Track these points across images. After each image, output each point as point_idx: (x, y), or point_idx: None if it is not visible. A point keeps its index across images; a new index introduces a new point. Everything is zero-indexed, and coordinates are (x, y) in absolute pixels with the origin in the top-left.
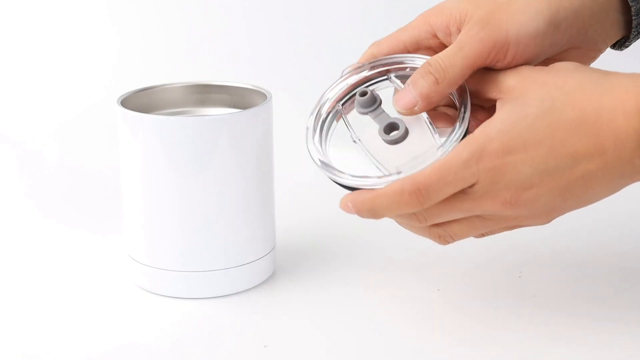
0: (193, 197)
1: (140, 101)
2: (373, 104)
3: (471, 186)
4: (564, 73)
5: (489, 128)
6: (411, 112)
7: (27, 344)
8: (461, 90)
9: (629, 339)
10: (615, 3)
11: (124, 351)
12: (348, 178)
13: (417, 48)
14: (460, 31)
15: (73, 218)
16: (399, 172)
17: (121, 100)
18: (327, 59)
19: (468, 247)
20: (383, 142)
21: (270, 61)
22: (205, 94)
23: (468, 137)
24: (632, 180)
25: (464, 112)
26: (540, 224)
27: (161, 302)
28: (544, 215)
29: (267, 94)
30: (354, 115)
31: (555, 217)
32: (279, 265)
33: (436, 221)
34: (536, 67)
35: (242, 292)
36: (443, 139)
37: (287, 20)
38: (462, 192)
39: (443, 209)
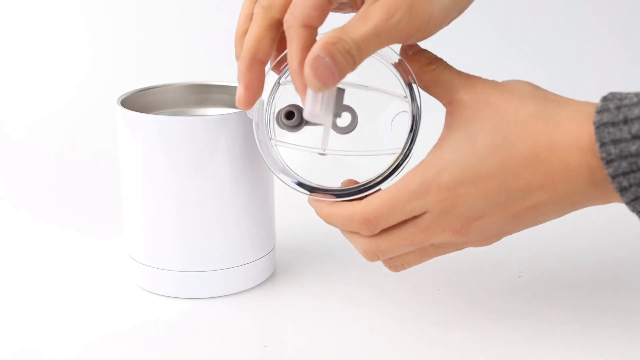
0: (193, 197)
1: (140, 101)
2: (300, 116)
3: (421, 214)
4: (516, 99)
5: (439, 157)
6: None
7: (27, 343)
8: (409, 79)
9: (630, 339)
10: None
11: (124, 350)
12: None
13: None
14: None
15: (73, 218)
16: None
17: (121, 100)
18: None
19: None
20: (339, 135)
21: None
22: (205, 94)
23: (419, 164)
24: (583, 205)
25: (418, 116)
26: (489, 244)
27: (161, 302)
28: (495, 237)
29: None
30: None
31: (504, 236)
32: (279, 265)
33: (389, 256)
34: (489, 83)
35: (242, 292)
36: (400, 141)
37: None
38: (412, 223)
39: (395, 245)
